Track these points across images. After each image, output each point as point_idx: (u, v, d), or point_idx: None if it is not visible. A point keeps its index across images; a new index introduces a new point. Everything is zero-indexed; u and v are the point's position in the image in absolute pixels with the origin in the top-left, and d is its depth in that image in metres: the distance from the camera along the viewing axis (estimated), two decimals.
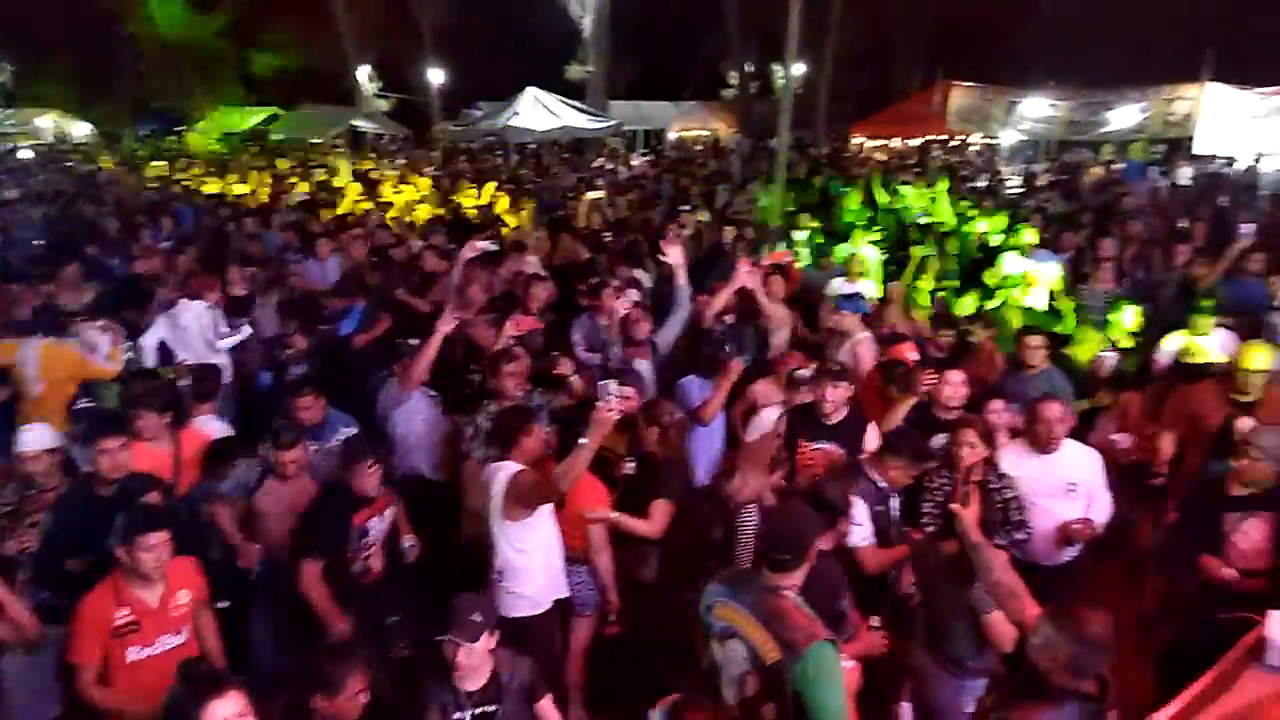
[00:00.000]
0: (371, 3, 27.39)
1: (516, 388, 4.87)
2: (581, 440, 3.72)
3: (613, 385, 3.76)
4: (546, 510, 4.01)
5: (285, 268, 8.64)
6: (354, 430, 5.03)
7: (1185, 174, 17.17)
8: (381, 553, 4.26)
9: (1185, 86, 16.60)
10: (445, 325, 5.03)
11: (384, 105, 29.05)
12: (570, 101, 19.34)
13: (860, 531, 3.99)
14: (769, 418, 4.85)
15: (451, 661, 3.01)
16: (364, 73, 27.76)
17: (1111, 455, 4.98)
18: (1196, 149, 16.88)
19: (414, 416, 5.14)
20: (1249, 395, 4.84)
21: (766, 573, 2.87)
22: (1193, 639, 3.57)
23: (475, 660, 3.02)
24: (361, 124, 26.72)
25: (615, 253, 8.50)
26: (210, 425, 5.04)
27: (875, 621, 3.54)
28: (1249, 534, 3.81)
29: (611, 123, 20.46)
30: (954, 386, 4.85)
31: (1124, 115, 17.49)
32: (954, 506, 3.36)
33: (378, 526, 4.25)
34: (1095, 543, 4.39)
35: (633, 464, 4.43)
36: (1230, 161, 18.07)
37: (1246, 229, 7.47)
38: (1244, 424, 4.63)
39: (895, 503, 4.16)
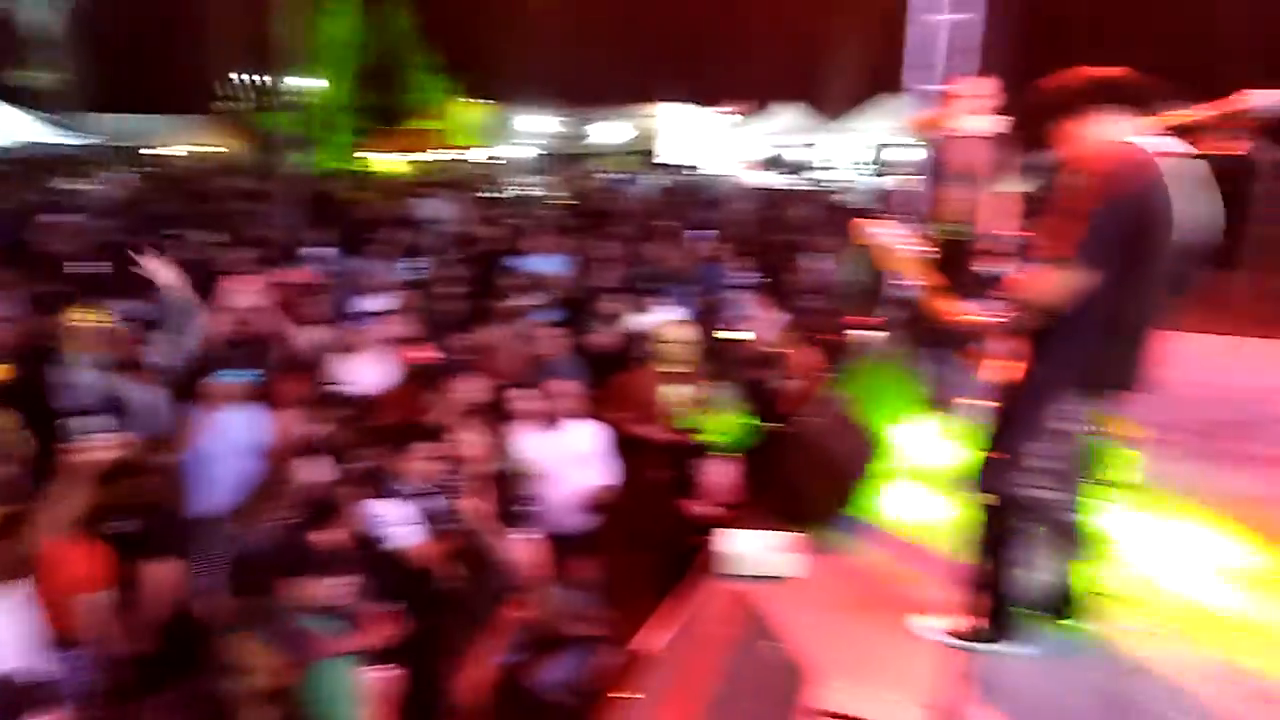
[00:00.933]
0: None
1: None
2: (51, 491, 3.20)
3: (88, 423, 3.28)
4: (19, 587, 3.37)
5: None
6: None
7: (656, 181, 20.04)
8: None
9: (653, 105, 19.53)
10: None
11: None
12: (37, 113, 16.41)
13: (403, 531, 4.01)
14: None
15: None
16: None
17: (619, 427, 5.63)
18: (661, 158, 19.95)
19: None
20: (674, 366, 5.68)
21: (273, 597, 2.76)
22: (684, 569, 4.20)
23: None
24: None
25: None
26: None
27: (385, 608, 3.56)
28: (711, 474, 4.60)
29: (88, 139, 17.79)
30: (465, 385, 5.08)
31: (609, 130, 20.05)
32: (461, 501, 3.52)
33: None
34: (609, 506, 4.92)
35: (129, 520, 3.90)
36: (693, 169, 21.54)
37: (703, 234, 8.98)
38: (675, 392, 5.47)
39: (440, 501, 4.24)
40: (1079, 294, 2.48)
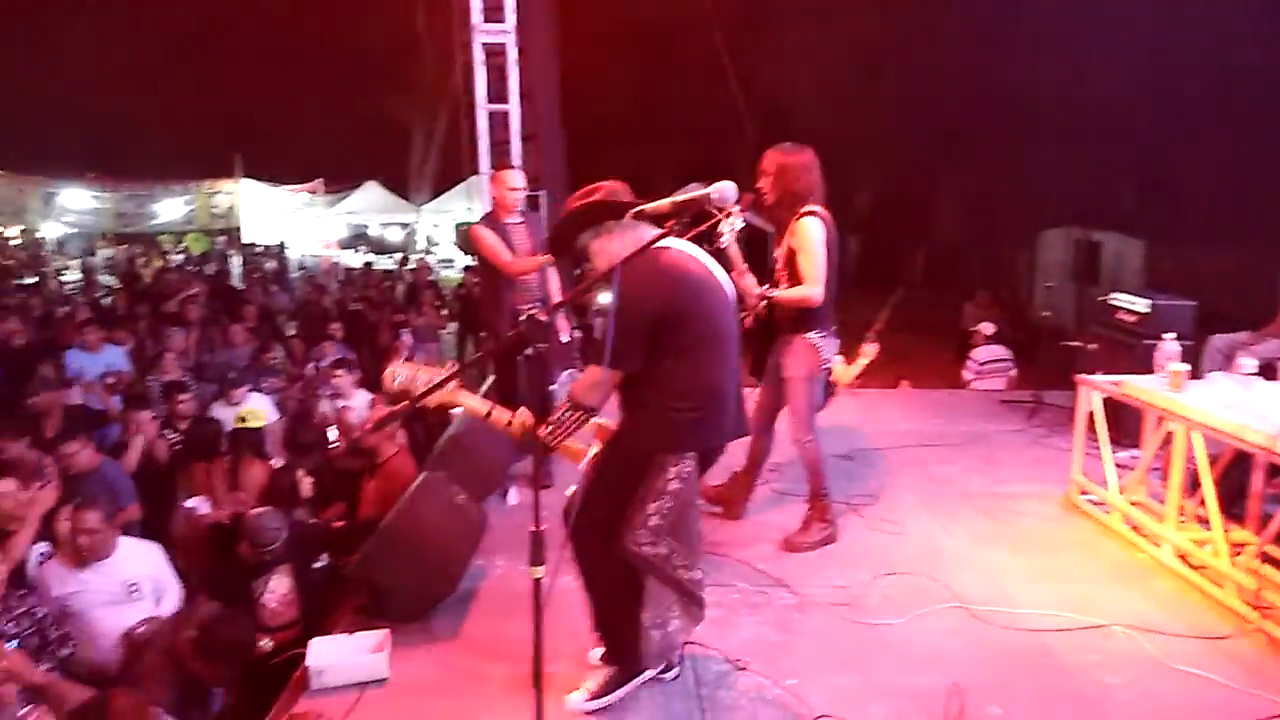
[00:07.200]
0: None
1: None
2: None
3: None
4: None
5: None
6: None
7: (236, 262, 18.59)
8: None
9: (223, 182, 18.11)
10: None
11: None
12: None
13: None
14: None
15: None
16: None
17: (195, 523, 5.03)
18: (246, 238, 18.59)
19: None
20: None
21: None
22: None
23: None
24: None
25: None
26: None
27: None
28: (275, 591, 4.21)
29: None
30: None
31: (170, 208, 18.17)
32: None
33: None
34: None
35: None
36: (282, 248, 20.29)
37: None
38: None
39: None
40: (610, 391, 2.76)
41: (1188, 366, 4.35)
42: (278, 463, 6.13)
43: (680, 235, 2.76)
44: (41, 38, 23.05)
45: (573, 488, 3.01)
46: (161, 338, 8.76)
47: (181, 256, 19.07)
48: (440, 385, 2.83)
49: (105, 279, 16.11)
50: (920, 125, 19.06)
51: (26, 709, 2.96)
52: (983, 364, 8.19)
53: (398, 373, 2.94)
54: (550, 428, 2.84)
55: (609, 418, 2.99)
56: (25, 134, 21.73)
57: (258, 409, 6.46)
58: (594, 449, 3.01)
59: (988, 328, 8.55)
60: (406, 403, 2.75)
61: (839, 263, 4.28)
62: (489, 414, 2.95)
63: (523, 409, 2.97)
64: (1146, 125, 15.28)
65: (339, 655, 3.32)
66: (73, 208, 17.74)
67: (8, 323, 8.93)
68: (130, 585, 4.08)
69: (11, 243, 20.64)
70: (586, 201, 2.87)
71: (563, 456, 3.07)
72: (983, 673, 3.30)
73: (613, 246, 2.80)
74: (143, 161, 20.06)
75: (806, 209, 4.18)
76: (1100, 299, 7.00)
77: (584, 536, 2.92)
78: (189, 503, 5.16)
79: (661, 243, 2.72)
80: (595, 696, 3.04)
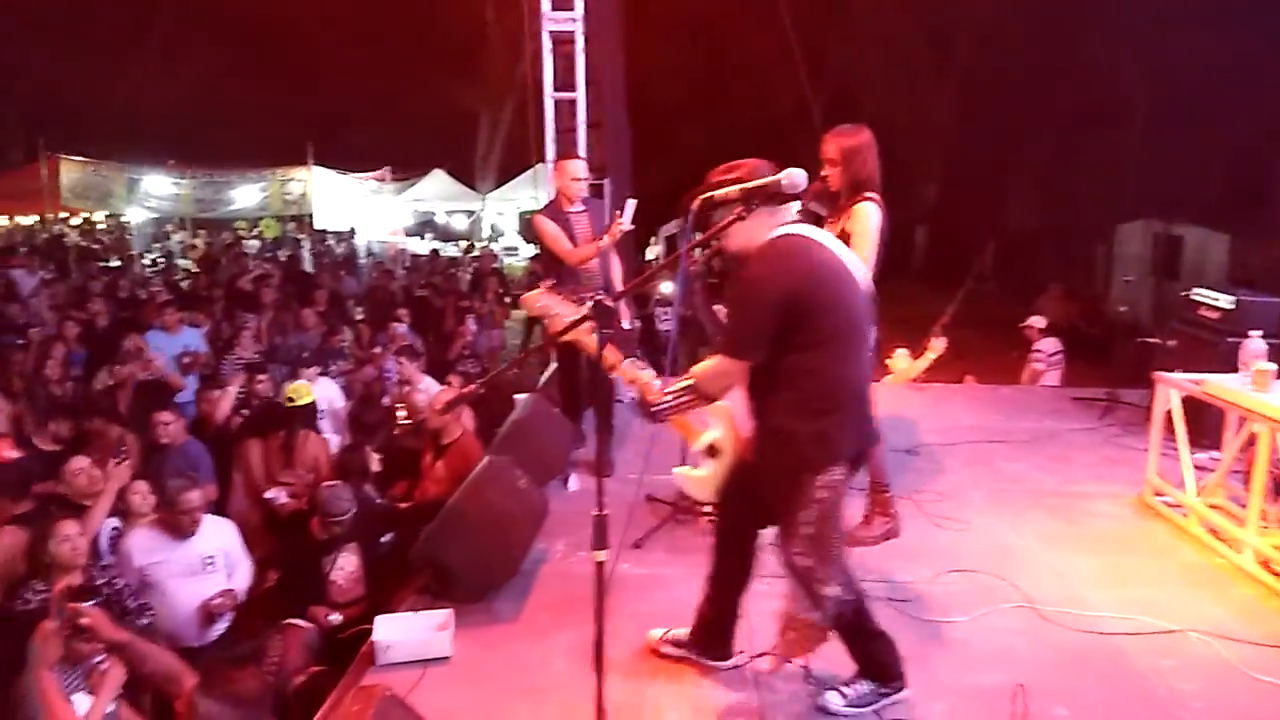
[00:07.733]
0: None
1: None
2: None
3: None
4: None
5: None
6: None
7: (311, 245, 19.04)
8: None
9: (296, 169, 18.55)
10: None
11: None
12: None
13: None
14: None
15: None
16: None
17: (271, 508, 5.20)
18: (317, 225, 19.08)
19: None
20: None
21: None
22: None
23: None
24: None
25: None
26: None
27: None
28: (343, 569, 4.33)
29: None
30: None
31: (246, 194, 18.70)
32: (46, 625, 3.03)
33: None
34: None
35: None
36: (351, 234, 20.72)
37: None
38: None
39: None
40: (733, 382, 2.71)
41: (1274, 366, 4.17)
42: (334, 440, 6.27)
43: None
44: (126, 35, 23.94)
45: (682, 468, 3.12)
46: (236, 320, 9.03)
47: (256, 242, 19.67)
48: (576, 324, 2.83)
49: (182, 262, 16.66)
50: (991, 111, 18.57)
51: (101, 658, 3.12)
52: (1051, 355, 8.19)
53: (541, 299, 2.99)
54: (666, 399, 2.83)
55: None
56: (111, 124, 22.63)
57: (303, 385, 6.52)
58: (712, 433, 3.04)
59: (1039, 321, 8.55)
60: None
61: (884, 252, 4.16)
62: (614, 366, 2.95)
63: (649, 370, 2.96)
64: (1233, 113, 14.63)
65: (404, 632, 3.40)
66: (154, 193, 18.40)
67: (93, 303, 9.31)
68: (206, 559, 4.24)
69: (98, 227, 21.58)
70: (726, 178, 2.75)
71: (677, 431, 3.12)
72: (1050, 675, 3.23)
73: (748, 228, 2.65)
74: (220, 150, 20.72)
75: (867, 195, 4.09)
76: (1182, 294, 6.76)
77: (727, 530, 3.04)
78: (268, 494, 5.30)
79: (796, 229, 2.67)
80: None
